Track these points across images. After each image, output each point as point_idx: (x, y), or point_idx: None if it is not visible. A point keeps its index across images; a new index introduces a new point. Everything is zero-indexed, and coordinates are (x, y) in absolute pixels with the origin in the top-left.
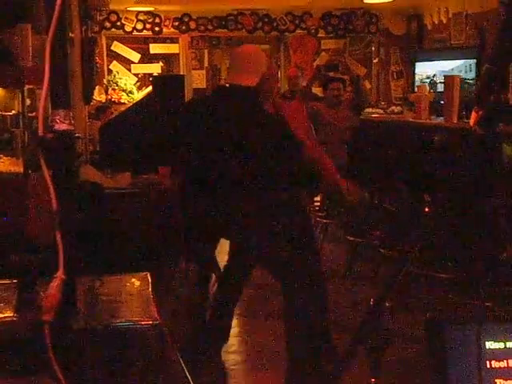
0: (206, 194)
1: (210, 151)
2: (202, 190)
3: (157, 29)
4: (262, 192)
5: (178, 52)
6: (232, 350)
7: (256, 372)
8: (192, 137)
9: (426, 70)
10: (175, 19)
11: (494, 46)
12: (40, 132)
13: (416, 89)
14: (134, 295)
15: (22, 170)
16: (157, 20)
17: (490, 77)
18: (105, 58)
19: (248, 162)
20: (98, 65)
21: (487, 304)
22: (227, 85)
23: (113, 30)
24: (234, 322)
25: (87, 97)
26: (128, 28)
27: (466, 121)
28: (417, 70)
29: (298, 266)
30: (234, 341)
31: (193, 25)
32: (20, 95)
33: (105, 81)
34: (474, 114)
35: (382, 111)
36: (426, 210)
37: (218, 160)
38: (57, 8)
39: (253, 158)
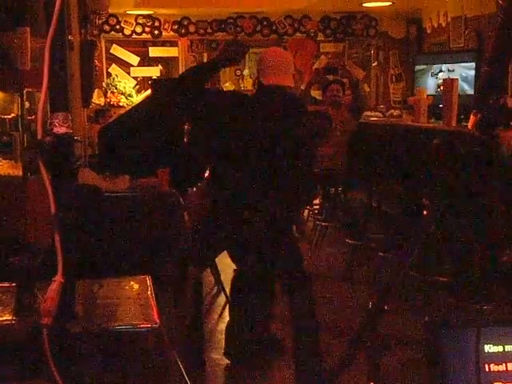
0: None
1: (254, 150)
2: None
3: (156, 32)
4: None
5: (177, 55)
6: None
7: (252, 372)
8: (237, 134)
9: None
10: (174, 22)
11: (491, 48)
12: (39, 135)
13: (415, 92)
14: (132, 298)
15: (20, 173)
16: (156, 23)
17: (488, 80)
18: (104, 61)
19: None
20: (97, 68)
21: (486, 307)
22: (273, 85)
23: (112, 33)
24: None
25: (86, 100)
26: (127, 31)
27: (464, 124)
28: None
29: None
30: None
31: (192, 28)
32: (19, 98)
33: (104, 84)
34: (472, 117)
35: (380, 114)
36: (425, 213)
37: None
38: (55, 11)
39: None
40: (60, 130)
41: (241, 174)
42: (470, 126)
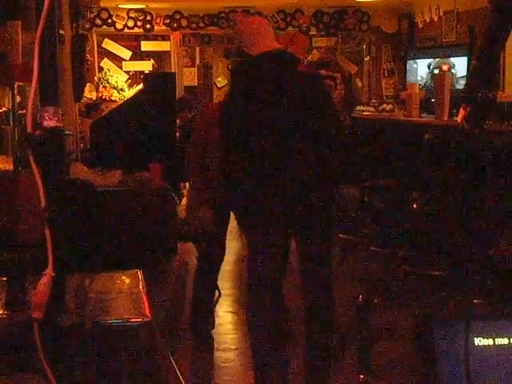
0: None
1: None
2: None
3: (148, 26)
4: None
5: (169, 49)
6: (223, 348)
7: (248, 369)
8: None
9: None
10: (166, 17)
11: (480, 42)
12: (28, 129)
13: (407, 86)
14: (124, 292)
15: (11, 167)
16: (148, 17)
17: (477, 74)
18: (96, 55)
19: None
20: (88, 62)
21: (476, 301)
22: (270, 51)
23: (104, 27)
24: (225, 320)
25: (78, 94)
26: (119, 25)
27: (455, 118)
28: None
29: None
30: (225, 338)
31: (184, 22)
32: (10, 92)
33: (96, 78)
34: (461, 111)
35: (373, 109)
36: (414, 206)
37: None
38: (45, 5)
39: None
40: (50, 123)
41: (279, 154)
42: (459, 120)
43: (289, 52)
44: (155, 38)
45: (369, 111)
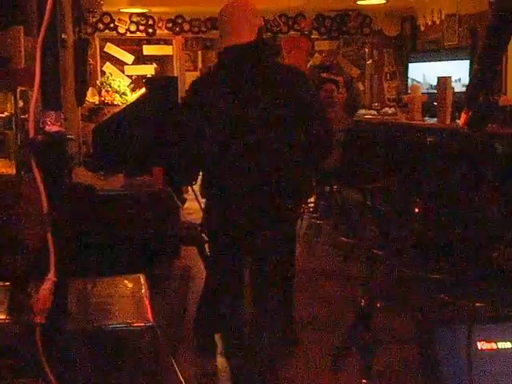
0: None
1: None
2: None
3: (150, 30)
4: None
5: (171, 53)
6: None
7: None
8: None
9: None
10: (168, 21)
11: (481, 46)
12: (31, 134)
13: (409, 90)
14: (126, 297)
15: (14, 171)
16: (150, 21)
17: (478, 77)
18: (98, 59)
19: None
20: (91, 66)
21: (478, 304)
22: (226, 48)
23: (106, 31)
24: None
25: (80, 99)
26: (121, 30)
27: (458, 121)
28: None
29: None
30: None
31: (186, 26)
32: (13, 97)
33: (98, 82)
34: (463, 115)
35: (375, 112)
36: (416, 210)
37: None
38: (47, 10)
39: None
40: (52, 128)
41: (240, 157)
42: (461, 124)
43: (257, 44)
44: (157, 42)
45: (371, 114)
